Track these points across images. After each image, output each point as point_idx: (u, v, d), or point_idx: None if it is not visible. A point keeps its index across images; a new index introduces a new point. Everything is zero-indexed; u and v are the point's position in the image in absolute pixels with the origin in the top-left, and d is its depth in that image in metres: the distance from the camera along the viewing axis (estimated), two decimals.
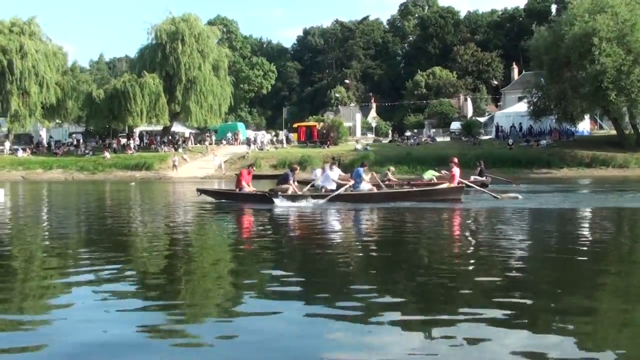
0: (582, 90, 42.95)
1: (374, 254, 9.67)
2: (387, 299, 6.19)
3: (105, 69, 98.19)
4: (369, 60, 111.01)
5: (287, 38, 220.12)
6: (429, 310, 5.84)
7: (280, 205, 17.55)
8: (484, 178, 26.99)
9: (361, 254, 9.54)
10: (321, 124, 61.08)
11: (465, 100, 75.55)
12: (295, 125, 63.83)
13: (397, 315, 5.50)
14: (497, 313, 5.44)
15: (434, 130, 70.27)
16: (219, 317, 5.62)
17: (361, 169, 19.81)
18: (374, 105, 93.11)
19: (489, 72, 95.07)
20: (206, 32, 56.12)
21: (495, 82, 79.78)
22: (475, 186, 22.00)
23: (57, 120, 60.64)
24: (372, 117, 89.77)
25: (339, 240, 11.44)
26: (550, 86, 47.14)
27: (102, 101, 54.33)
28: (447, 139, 60.93)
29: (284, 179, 19.47)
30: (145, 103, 53.51)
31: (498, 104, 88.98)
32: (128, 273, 7.81)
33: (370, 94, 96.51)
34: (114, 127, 63.41)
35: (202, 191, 20.10)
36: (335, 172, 20.03)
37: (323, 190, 19.15)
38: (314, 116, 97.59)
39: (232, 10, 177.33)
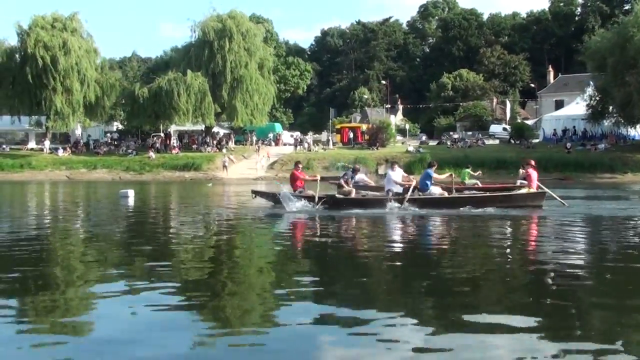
0: None
1: (446, 271, 8.45)
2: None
3: (136, 68, 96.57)
4: (391, 61, 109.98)
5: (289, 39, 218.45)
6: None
7: (347, 210, 16.17)
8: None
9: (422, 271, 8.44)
10: (364, 125, 60.06)
11: (502, 103, 74.58)
12: (338, 127, 62.65)
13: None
14: None
15: (469, 133, 69.23)
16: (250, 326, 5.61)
17: (431, 170, 17.87)
18: (400, 107, 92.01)
19: (516, 75, 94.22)
20: (253, 30, 54.88)
21: (532, 85, 78.79)
22: (551, 192, 19.91)
23: (95, 119, 59.08)
24: (400, 119, 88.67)
25: (397, 250, 10.47)
26: (613, 89, 46.16)
27: (146, 100, 53.03)
28: (493, 142, 59.76)
29: (344, 182, 17.99)
30: (191, 102, 52.24)
31: (524, 107, 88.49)
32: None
33: (397, 95, 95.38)
34: (149, 127, 62.22)
35: (257, 193, 18.69)
36: (398, 173, 18.43)
37: (390, 194, 17.41)
38: (338, 118, 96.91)
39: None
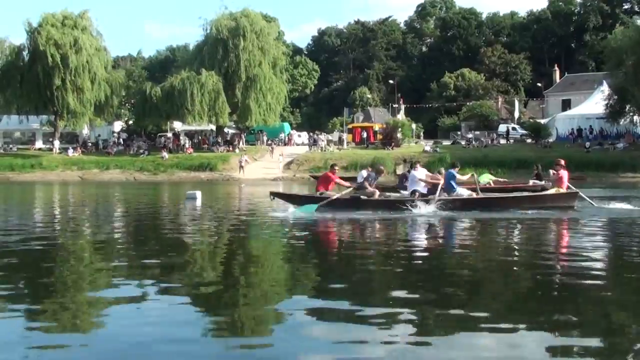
0: None
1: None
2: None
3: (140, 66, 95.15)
4: (390, 61, 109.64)
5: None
6: None
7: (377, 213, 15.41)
8: (543, 182, 22.61)
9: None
10: (377, 125, 59.65)
11: (509, 102, 74.49)
12: (350, 127, 62.16)
13: None
14: None
15: (477, 132, 69.00)
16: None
17: (454, 171, 17.24)
18: (402, 106, 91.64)
19: (517, 74, 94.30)
20: (266, 29, 54.22)
21: (539, 84, 78.74)
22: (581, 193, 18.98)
23: (104, 118, 58.19)
24: (403, 119, 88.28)
25: (423, 254, 9.97)
26: (633, 88, 46.05)
27: (159, 99, 52.22)
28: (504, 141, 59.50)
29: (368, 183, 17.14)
30: (205, 101, 51.50)
31: (525, 106, 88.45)
32: None
33: (399, 94, 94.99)
34: (151, 127, 61.50)
35: (276, 195, 17.75)
36: (421, 172, 17.81)
37: (417, 194, 16.63)
38: (338, 118, 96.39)
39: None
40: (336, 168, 17.91)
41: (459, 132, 73.08)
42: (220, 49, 52.32)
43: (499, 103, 78.37)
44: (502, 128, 66.07)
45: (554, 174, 18.07)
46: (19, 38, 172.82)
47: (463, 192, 16.88)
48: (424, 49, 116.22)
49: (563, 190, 17.22)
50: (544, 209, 16.18)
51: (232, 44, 52.21)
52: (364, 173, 19.26)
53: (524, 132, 63.81)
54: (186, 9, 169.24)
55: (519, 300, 6.70)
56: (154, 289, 6.99)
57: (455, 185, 16.85)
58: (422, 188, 16.80)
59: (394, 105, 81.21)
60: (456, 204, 15.97)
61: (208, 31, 54.85)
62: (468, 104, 78.81)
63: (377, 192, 16.74)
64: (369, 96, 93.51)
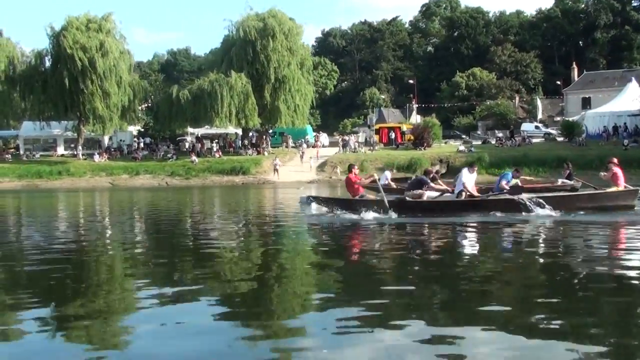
0: None
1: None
2: None
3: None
4: (398, 61, 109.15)
5: None
6: None
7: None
8: (572, 182, 22.22)
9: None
10: (404, 125, 58.96)
11: (529, 102, 74.10)
12: (376, 127, 61.43)
13: None
14: None
15: (499, 132, 68.50)
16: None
17: (510, 174, 16.41)
18: (415, 107, 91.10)
19: (528, 73, 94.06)
20: (295, 29, 53.37)
21: (558, 82, 78.39)
22: None
23: (128, 123, 57.08)
24: (416, 119, 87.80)
25: (472, 265, 8.99)
26: None
27: (186, 102, 51.23)
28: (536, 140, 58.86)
29: (416, 185, 16.13)
30: (234, 103, 50.57)
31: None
32: None
33: (411, 95, 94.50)
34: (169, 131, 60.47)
35: (313, 199, 16.61)
36: (473, 177, 16.34)
37: (463, 195, 15.55)
38: (350, 119, 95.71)
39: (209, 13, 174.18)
40: (355, 169, 16.72)
41: (478, 132, 72.60)
42: (250, 50, 51.37)
43: (516, 102, 77.95)
44: (526, 127, 65.57)
45: (604, 174, 17.33)
46: (29, 43, 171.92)
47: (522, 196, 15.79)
48: (429, 48, 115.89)
49: (621, 188, 16.24)
50: (602, 209, 15.30)
51: (260, 45, 51.29)
52: (388, 174, 18.44)
53: (549, 131, 63.42)
54: (173, 15, 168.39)
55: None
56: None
57: (505, 187, 16.03)
58: (471, 189, 15.80)
59: (415, 105, 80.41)
60: (508, 205, 14.92)
61: (234, 32, 53.90)
62: (488, 102, 78.18)
63: (426, 194, 15.66)
64: (384, 97, 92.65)
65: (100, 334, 5.54)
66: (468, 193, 15.67)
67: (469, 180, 15.98)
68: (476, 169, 16.97)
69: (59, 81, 50.68)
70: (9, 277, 8.57)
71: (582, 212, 14.85)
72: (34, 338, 5.39)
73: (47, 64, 53.69)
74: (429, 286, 7.30)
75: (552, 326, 5.39)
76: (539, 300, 6.43)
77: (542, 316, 5.68)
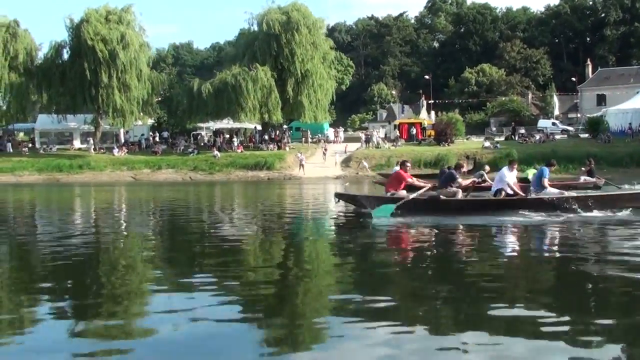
0: None
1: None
2: None
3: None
4: (404, 57, 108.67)
5: None
6: None
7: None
8: (594, 179, 21.99)
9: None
10: (425, 120, 58.44)
11: (542, 99, 73.82)
12: (396, 123, 60.88)
13: None
14: None
15: (521, 129, 67.96)
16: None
17: (547, 170, 15.14)
18: (424, 103, 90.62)
19: (538, 70, 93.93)
20: (318, 23, 52.70)
21: (573, 79, 78.08)
22: None
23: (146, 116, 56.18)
24: (425, 115, 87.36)
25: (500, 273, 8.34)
26: None
27: (209, 96, 50.43)
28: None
29: (447, 180, 15.17)
30: (257, 97, 49.84)
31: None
32: None
33: (420, 91, 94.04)
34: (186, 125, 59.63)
35: (340, 197, 15.93)
36: (514, 175, 15.55)
37: (502, 194, 14.84)
38: (358, 115, 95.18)
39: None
40: (408, 165, 15.85)
41: (493, 128, 72.27)
42: (274, 44, 50.64)
43: (529, 98, 77.68)
44: (543, 123, 65.31)
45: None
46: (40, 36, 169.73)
47: (553, 192, 14.89)
48: (435, 44, 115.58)
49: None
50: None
51: (285, 39, 50.59)
52: (484, 173, 17.71)
53: (567, 127, 63.23)
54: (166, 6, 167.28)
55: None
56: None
57: (546, 184, 14.94)
58: (508, 189, 15.04)
59: (428, 101, 79.91)
60: (542, 206, 14.11)
61: (255, 26, 53.19)
62: (501, 98, 77.84)
63: (460, 192, 14.83)
64: (393, 92, 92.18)
65: (116, 326, 5.64)
66: (511, 192, 14.93)
67: (511, 178, 15.28)
68: (516, 166, 16.17)
69: (78, 73, 49.69)
70: (47, 268, 8.76)
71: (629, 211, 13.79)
72: (49, 328, 5.54)
73: (65, 56, 52.71)
74: (447, 289, 7.03)
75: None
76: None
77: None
